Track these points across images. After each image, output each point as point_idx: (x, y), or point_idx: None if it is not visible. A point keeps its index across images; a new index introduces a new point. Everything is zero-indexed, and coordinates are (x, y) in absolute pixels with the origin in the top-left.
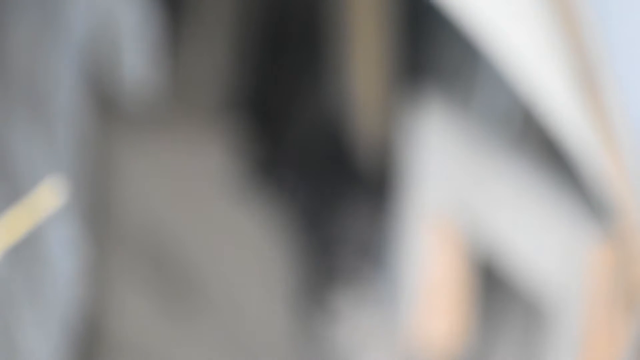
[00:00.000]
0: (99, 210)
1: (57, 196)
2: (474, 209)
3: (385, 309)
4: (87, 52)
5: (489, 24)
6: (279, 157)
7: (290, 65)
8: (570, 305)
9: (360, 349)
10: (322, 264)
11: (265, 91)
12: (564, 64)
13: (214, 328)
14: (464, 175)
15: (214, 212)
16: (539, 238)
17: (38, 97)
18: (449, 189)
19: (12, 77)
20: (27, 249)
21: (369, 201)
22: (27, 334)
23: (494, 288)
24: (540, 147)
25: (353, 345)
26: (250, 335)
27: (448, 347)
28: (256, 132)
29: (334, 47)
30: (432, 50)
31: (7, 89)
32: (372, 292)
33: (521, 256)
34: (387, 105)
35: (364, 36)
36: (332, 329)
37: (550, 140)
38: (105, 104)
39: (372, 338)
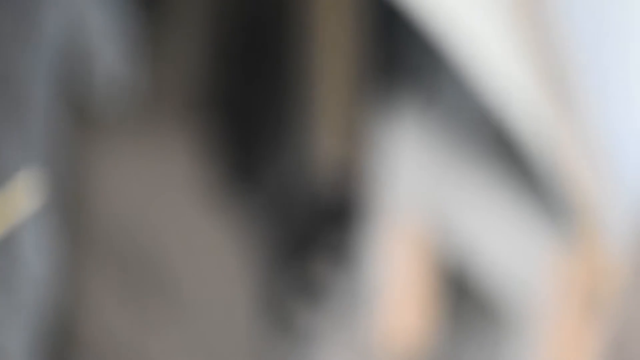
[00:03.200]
0: (71, 211)
1: (31, 194)
2: (442, 211)
3: (350, 312)
4: (60, 52)
5: (453, 23)
6: (252, 163)
7: (265, 68)
8: (535, 309)
9: (323, 352)
10: (291, 273)
11: (240, 93)
12: (529, 63)
13: (185, 333)
14: (433, 177)
15: (187, 215)
16: (507, 241)
17: (12, 96)
18: (418, 190)
19: None
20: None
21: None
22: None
23: (462, 293)
24: (506, 150)
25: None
26: (218, 340)
27: (412, 349)
28: (230, 135)
29: (303, 51)
30: (399, 54)
31: None
32: (338, 297)
33: (489, 259)
34: (354, 114)
35: (332, 40)
36: (298, 338)
37: (515, 143)
38: (80, 105)
39: (335, 342)
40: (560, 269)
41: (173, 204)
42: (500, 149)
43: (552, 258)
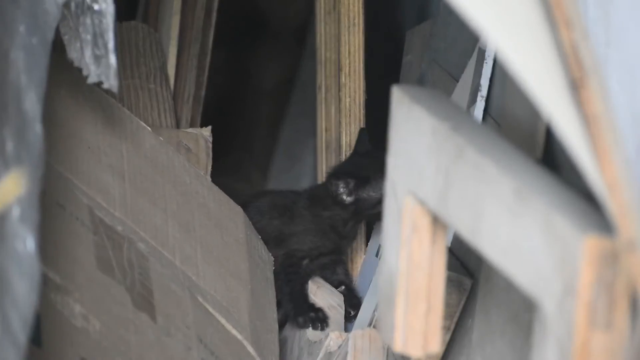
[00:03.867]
0: (54, 194)
1: (21, 185)
2: (455, 199)
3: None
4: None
5: (477, 18)
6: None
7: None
8: (562, 302)
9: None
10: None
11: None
12: (553, 62)
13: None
14: (444, 163)
15: (173, 199)
16: (524, 231)
17: (5, 96)
18: (429, 179)
19: None
20: None
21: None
22: None
23: (480, 284)
24: (527, 139)
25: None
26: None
27: (428, 343)
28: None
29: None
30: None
31: None
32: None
33: (509, 250)
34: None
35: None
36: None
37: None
38: (70, 89)
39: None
40: (589, 256)
41: (158, 188)
42: (519, 135)
43: (580, 245)
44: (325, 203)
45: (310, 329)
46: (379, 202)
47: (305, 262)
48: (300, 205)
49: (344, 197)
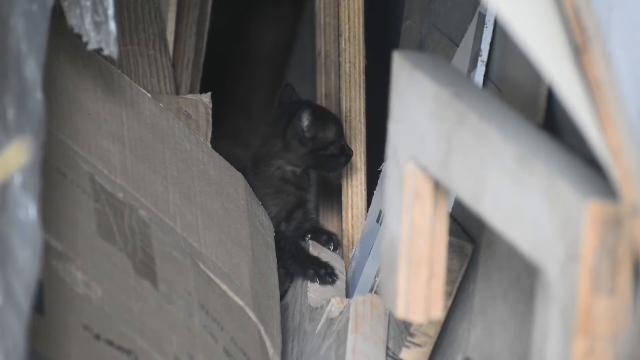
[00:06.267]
0: (56, 160)
1: (23, 153)
2: (457, 166)
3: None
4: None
5: None
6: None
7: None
8: (566, 268)
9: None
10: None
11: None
12: (555, 26)
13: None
14: (446, 129)
15: (174, 167)
16: (527, 196)
17: (6, 64)
18: (431, 145)
19: None
20: None
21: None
22: None
23: (482, 249)
24: (530, 104)
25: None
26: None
27: (430, 309)
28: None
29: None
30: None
31: None
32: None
33: (511, 215)
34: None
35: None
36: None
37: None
38: (69, 56)
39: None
40: (593, 221)
41: (160, 156)
42: (523, 102)
43: (583, 210)
44: (270, 156)
45: (318, 283)
46: (330, 143)
47: (282, 227)
48: (248, 173)
49: (306, 132)
